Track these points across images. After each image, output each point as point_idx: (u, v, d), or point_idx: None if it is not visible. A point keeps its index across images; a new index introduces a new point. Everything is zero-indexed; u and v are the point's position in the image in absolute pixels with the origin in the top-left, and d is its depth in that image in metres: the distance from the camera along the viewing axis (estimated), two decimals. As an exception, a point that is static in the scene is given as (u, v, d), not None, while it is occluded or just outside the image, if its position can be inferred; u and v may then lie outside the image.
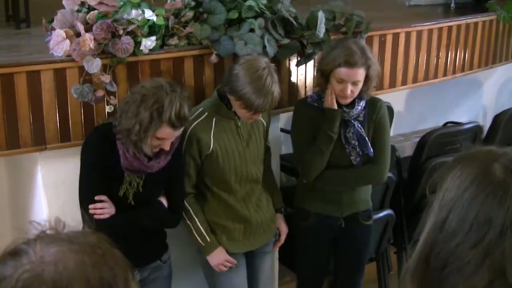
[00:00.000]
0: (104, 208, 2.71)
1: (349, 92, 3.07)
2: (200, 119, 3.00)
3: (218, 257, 3.11)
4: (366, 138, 3.21)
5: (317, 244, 3.43)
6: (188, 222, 3.07)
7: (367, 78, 3.10)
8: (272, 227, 3.31)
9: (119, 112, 2.69)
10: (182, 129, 2.72)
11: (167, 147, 2.71)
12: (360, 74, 3.06)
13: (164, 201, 2.92)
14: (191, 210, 3.06)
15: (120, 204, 2.77)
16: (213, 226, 3.13)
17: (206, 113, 3.01)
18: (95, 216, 2.65)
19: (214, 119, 3.01)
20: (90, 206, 2.68)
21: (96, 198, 2.70)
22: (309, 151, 3.20)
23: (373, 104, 3.26)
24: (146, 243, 2.92)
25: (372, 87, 3.17)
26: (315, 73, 3.46)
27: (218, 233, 3.13)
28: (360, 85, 3.09)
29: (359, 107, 3.18)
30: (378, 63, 3.24)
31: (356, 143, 3.20)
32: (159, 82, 2.67)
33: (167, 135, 2.67)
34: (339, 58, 3.04)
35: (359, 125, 3.20)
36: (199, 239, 3.08)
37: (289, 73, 3.54)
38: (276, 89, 2.89)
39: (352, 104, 3.18)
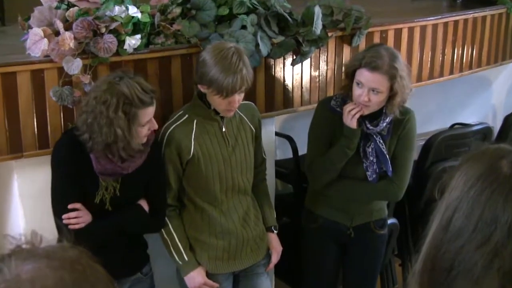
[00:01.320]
0: (79, 217, 2.71)
1: (365, 98, 2.99)
2: (179, 122, 2.98)
3: (196, 279, 3.06)
4: (387, 156, 3.16)
5: (323, 249, 3.43)
6: (166, 237, 3.04)
7: (392, 93, 3.00)
8: (261, 246, 3.24)
9: (88, 134, 2.66)
10: (155, 102, 2.72)
11: (155, 125, 2.75)
12: (380, 81, 2.97)
13: (144, 204, 2.91)
14: (170, 225, 3.03)
15: (97, 211, 2.77)
16: (194, 242, 3.10)
17: (187, 115, 3.00)
18: (70, 226, 2.65)
19: (195, 121, 2.98)
20: (64, 216, 2.68)
21: (70, 206, 2.70)
22: (321, 160, 3.19)
23: (400, 117, 3.16)
24: (126, 253, 2.91)
25: (397, 104, 3.04)
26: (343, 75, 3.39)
27: (198, 251, 3.09)
28: (382, 96, 3.00)
29: (384, 124, 3.12)
30: (410, 81, 3.11)
31: (375, 160, 3.16)
32: (104, 81, 2.67)
33: (148, 115, 2.70)
34: (363, 59, 3.00)
35: (381, 140, 3.15)
36: (176, 257, 3.05)
37: (284, 73, 3.55)
38: (245, 69, 2.84)
39: (377, 118, 3.12)
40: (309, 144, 3.32)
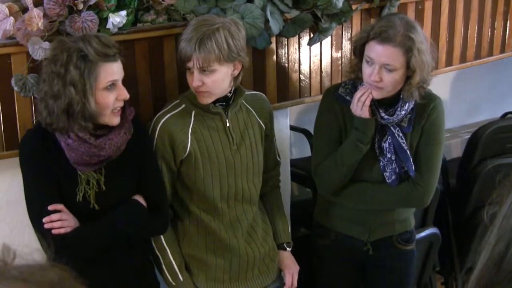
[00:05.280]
0: (63, 220, 2.68)
1: (376, 77, 2.94)
2: (174, 112, 2.98)
3: None
4: (408, 152, 3.10)
5: (337, 270, 3.41)
6: (157, 252, 3.04)
7: (409, 71, 2.95)
8: (271, 267, 3.25)
9: (44, 103, 2.67)
10: (120, 61, 2.70)
11: (124, 93, 2.71)
12: (393, 55, 2.91)
13: (141, 200, 2.88)
14: (162, 238, 3.03)
15: (82, 213, 2.75)
16: (189, 260, 3.10)
17: (183, 105, 3.00)
18: (54, 231, 2.64)
19: (193, 113, 2.99)
20: (45, 219, 2.65)
21: (50, 207, 2.68)
22: (329, 159, 3.15)
23: (424, 104, 3.10)
24: (128, 275, 2.91)
25: (415, 85, 2.97)
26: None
27: (195, 271, 3.10)
28: (396, 75, 2.94)
29: (403, 112, 3.06)
30: (433, 56, 3.04)
31: (393, 157, 3.11)
32: (56, 39, 2.68)
33: (111, 74, 2.67)
34: (372, 30, 2.96)
35: (400, 133, 3.10)
36: (169, 276, 3.05)
37: (300, 54, 3.54)
38: (210, 39, 2.81)
39: (394, 106, 3.06)
40: (315, 143, 3.30)
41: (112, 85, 2.67)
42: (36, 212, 2.71)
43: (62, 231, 2.67)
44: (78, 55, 2.59)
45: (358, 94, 3.02)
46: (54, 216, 2.68)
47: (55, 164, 2.73)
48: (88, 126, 2.67)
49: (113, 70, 2.67)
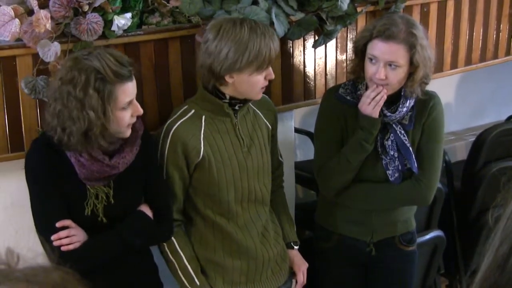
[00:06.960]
0: (71, 236, 2.67)
1: (381, 75, 2.94)
2: (184, 118, 2.96)
3: None
4: (410, 149, 3.11)
5: (341, 271, 3.41)
6: (171, 257, 3.03)
7: (412, 67, 2.97)
8: (283, 267, 3.25)
9: (60, 126, 2.62)
10: (134, 78, 2.68)
11: (139, 110, 2.70)
12: (397, 52, 2.93)
13: (147, 210, 2.88)
14: (176, 243, 3.01)
15: (89, 226, 2.74)
16: (205, 264, 3.09)
17: (193, 110, 2.98)
18: (63, 248, 2.62)
19: (203, 117, 2.98)
20: (53, 237, 2.63)
21: (58, 224, 2.65)
22: (333, 160, 3.15)
23: (424, 102, 3.13)
24: (132, 279, 2.91)
25: (418, 80, 3.00)
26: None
27: (212, 274, 3.09)
28: (401, 72, 2.96)
29: (404, 109, 3.07)
30: (433, 51, 3.07)
31: (396, 155, 3.11)
32: (70, 58, 2.65)
33: (128, 94, 2.65)
34: (375, 28, 2.97)
35: (402, 131, 3.11)
36: (185, 281, 3.03)
37: (304, 57, 3.54)
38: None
39: (395, 103, 3.07)
40: (316, 144, 3.30)
41: (128, 104, 2.67)
42: (44, 228, 2.69)
43: (71, 247, 2.65)
44: (96, 77, 2.55)
45: (371, 94, 3.01)
46: (62, 233, 2.66)
47: (63, 178, 2.70)
48: (104, 146, 2.66)
49: (130, 91, 2.65)
